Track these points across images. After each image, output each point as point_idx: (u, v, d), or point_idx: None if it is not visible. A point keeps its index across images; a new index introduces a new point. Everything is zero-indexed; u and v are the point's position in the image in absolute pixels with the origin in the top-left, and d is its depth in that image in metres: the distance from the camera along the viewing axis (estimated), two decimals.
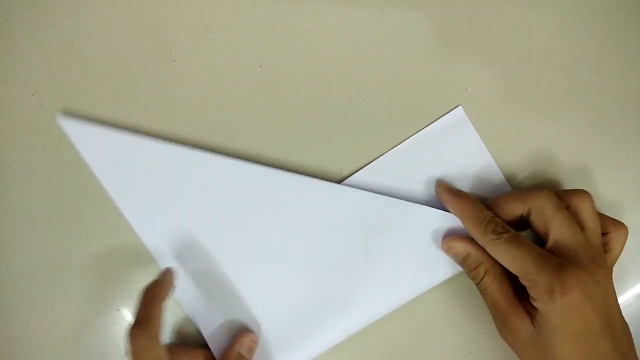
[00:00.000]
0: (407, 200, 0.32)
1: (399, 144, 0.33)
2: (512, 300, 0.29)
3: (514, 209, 0.30)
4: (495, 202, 0.31)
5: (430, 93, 0.33)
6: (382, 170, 0.33)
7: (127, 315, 0.33)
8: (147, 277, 0.33)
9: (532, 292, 0.27)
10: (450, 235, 0.31)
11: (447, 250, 0.31)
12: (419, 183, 0.33)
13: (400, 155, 0.33)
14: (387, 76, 0.33)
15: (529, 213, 0.29)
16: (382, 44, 0.33)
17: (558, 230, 0.28)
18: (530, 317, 0.28)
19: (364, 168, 0.33)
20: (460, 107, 0.33)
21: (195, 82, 0.33)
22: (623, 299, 0.34)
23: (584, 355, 0.26)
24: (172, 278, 0.30)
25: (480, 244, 0.29)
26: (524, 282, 0.28)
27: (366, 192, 0.32)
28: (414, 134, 0.33)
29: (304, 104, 0.33)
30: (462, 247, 0.30)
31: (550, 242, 0.28)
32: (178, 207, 0.32)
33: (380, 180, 0.33)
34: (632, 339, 0.28)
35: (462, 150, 0.33)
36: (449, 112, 0.33)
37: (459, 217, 0.31)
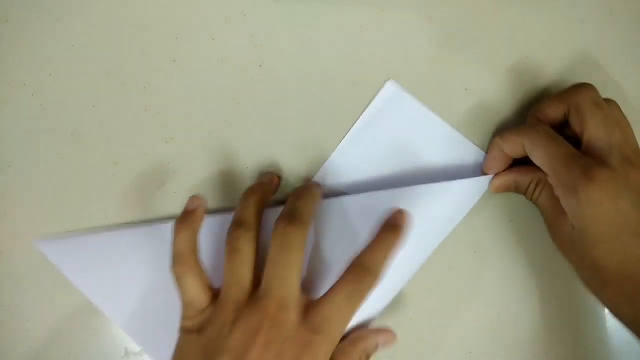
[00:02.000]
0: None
1: (344, 137, 0.33)
2: (558, 205, 0.29)
3: (556, 111, 0.30)
4: (538, 108, 0.31)
5: (430, 93, 0.33)
6: (338, 168, 0.33)
7: None
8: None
9: (557, 191, 0.28)
10: (495, 177, 0.32)
11: (497, 189, 0.32)
12: (385, 165, 0.33)
13: (351, 146, 0.33)
14: (387, 76, 0.33)
15: (568, 112, 0.29)
16: (382, 44, 0.33)
17: (593, 129, 0.28)
18: (569, 222, 0.28)
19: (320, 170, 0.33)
20: (390, 80, 0.33)
21: (195, 82, 0.33)
22: None
23: (623, 256, 0.26)
24: (276, 182, 0.32)
25: (525, 144, 0.29)
26: (551, 181, 0.28)
27: (369, 194, 0.32)
28: (355, 123, 0.33)
29: (304, 104, 0.33)
30: (507, 180, 0.32)
31: (584, 142, 0.28)
32: (143, 282, 0.32)
33: (341, 178, 0.33)
34: None
35: (412, 122, 0.33)
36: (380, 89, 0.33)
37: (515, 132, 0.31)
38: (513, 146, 0.30)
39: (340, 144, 0.33)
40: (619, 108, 0.30)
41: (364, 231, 0.30)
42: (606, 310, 0.34)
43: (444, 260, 0.33)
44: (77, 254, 0.32)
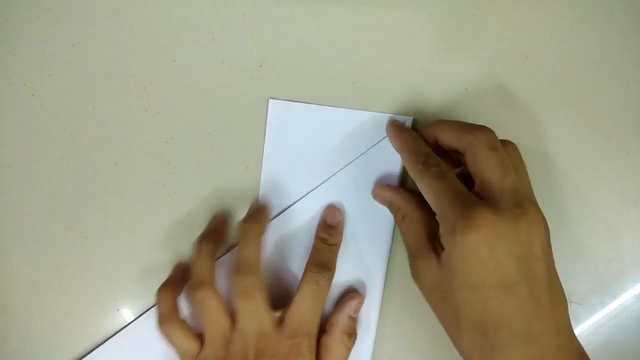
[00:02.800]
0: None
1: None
2: (423, 243, 0.28)
3: (451, 140, 0.28)
4: (437, 127, 0.29)
5: (430, 93, 0.33)
6: (275, 189, 0.34)
7: (127, 315, 0.33)
8: (146, 277, 0.33)
9: (440, 229, 0.26)
10: (379, 184, 0.32)
11: (375, 196, 0.32)
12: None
13: (270, 170, 0.33)
14: (387, 76, 0.33)
15: (464, 151, 0.27)
16: (382, 44, 0.33)
17: (486, 171, 0.26)
18: (437, 261, 0.27)
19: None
20: (270, 99, 0.33)
21: (195, 82, 0.33)
22: (623, 299, 0.34)
23: (484, 308, 0.24)
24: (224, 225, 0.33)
25: (411, 175, 0.28)
26: (437, 218, 0.26)
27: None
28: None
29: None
30: (385, 194, 0.31)
31: (477, 184, 0.27)
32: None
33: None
34: (566, 309, 0.25)
35: (312, 123, 0.33)
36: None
37: (398, 149, 0.31)
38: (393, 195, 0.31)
39: (262, 170, 0.33)
40: (517, 150, 0.29)
41: (313, 232, 0.33)
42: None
43: None
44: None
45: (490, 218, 0.24)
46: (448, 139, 0.28)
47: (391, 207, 0.31)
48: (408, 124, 0.33)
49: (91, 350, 0.33)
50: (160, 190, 0.33)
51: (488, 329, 0.24)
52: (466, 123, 0.29)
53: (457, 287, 0.25)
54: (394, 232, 0.33)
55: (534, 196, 0.27)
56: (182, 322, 0.31)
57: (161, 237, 0.33)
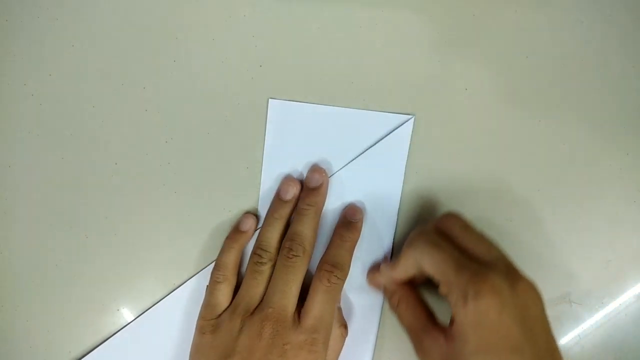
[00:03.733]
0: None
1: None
2: (425, 322, 0.29)
3: (410, 269, 0.29)
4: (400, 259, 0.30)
5: (430, 93, 0.33)
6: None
7: (127, 315, 0.33)
8: (147, 277, 0.33)
9: (449, 299, 0.27)
10: (373, 270, 0.33)
11: (369, 282, 0.33)
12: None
13: (271, 171, 0.34)
14: (387, 76, 0.33)
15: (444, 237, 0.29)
16: (382, 44, 0.33)
17: (473, 246, 0.28)
18: (444, 336, 0.27)
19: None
20: (270, 99, 0.33)
21: (195, 82, 0.33)
22: (623, 299, 0.34)
23: None
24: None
25: (405, 249, 0.29)
26: (442, 288, 0.27)
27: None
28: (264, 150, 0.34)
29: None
30: (378, 280, 0.32)
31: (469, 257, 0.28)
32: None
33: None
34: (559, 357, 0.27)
35: (312, 123, 0.33)
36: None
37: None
38: (406, 262, 0.30)
39: (262, 171, 0.33)
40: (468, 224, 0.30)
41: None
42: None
43: None
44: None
45: (498, 284, 0.25)
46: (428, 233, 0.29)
47: (385, 292, 0.32)
48: (409, 123, 0.33)
49: (91, 350, 0.33)
50: (160, 190, 0.33)
51: None
52: (429, 223, 0.30)
53: (469, 355, 0.25)
54: (394, 234, 0.33)
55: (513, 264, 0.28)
56: (234, 280, 0.32)
57: (161, 237, 0.33)
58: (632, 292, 0.34)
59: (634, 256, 0.34)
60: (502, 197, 0.34)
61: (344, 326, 0.32)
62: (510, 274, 0.26)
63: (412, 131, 0.33)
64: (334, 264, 0.31)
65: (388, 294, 0.32)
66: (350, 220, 0.33)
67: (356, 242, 0.33)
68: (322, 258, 0.32)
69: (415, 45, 0.34)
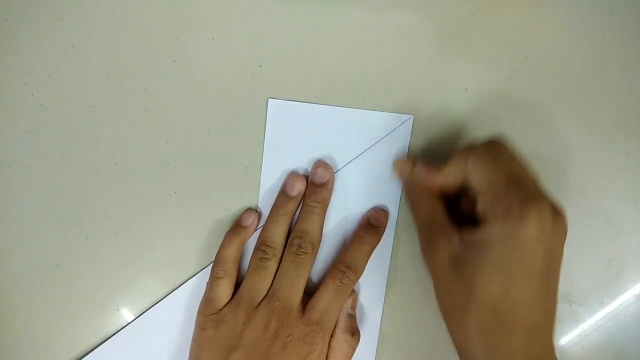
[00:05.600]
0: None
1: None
2: (442, 219, 0.28)
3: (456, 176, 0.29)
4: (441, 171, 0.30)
5: (430, 93, 0.33)
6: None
7: (127, 315, 0.33)
8: (146, 277, 0.33)
9: (486, 208, 0.26)
10: (403, 162, 0.32)
11: (394, 169, 0.32)
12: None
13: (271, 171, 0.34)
14: (387, 76, 0.33)
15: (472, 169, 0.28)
16: (382, 44, 0.33)
17: (522, 174, 0.27)
18: (459, 238, 0.27)
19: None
20: (270, 99, 0.33)
21: (195, 82, 0.33)
22: (623, 299, 0.34)
23: (504, 290, 0.25)
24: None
25: (456, 157, 0.28)
26: (484, 200, 0.26)
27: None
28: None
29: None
30: (407, 174, 0.31)
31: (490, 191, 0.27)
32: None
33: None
34: (556, 310, 0.26)
35: (312, 123, 0.33)
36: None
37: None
38: (455, 168, 0.29)
39: (262, 170, 0.33)
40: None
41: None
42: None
43: None
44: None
45: (544, 213, 0.25)
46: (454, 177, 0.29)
47: (405, 185, 0.32)
48: (408, 122, 0.33)
49: (91, 350, 0.33)
50: (160, 190, 0.33)
51: (500, 311, 0.25)
52: (460, 153, 0.29)
53: (481, 264, 0.25)
54: (395, 231, 0.33)
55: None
56: (234, 275, 0.32)
57: (161, 237, 0.34)
58: (632, 292, 0.34)
59: (634, 256, 0.34)
60: None
61: (353, 334, 0.31)
62: (554, 208, 0.26)
63: (412, 131, 0.33)
64: (349, 265, 0.31)
65: (408, 187, 0.31)
66: (373, 224, 0.33)
67: (375, 247, 0.32)
68: (338, 257, 0.32)
69: (415, 46, 0.34)
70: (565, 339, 0.34)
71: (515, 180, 0.26)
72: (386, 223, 0.33)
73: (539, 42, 0.34)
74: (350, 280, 0.31)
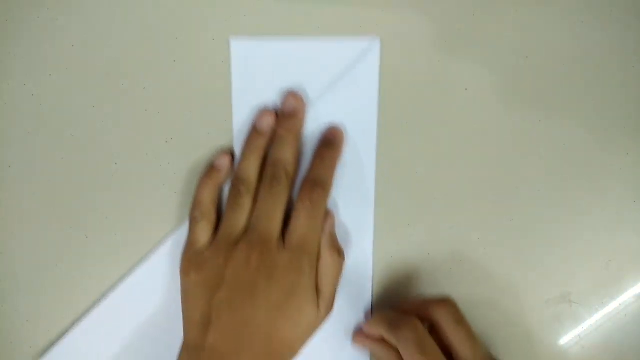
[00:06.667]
0: None
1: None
2: None
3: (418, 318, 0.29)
4: (404, 306, 0.31)
5: (430, 93, 0.33)
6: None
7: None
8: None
9: None
10: (359, 332, 0.33)
11: (355, 342, 0.33)
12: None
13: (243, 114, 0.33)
14: (386, 76, 0.33)
15: (430, 327, 0.30)
16: (383, 44, 0.33)
17: (459, 346, 0.28)
18: None
19: None
20: (232, 39, 0.33)
21: (195, 82, 0.33)
22: (623, 299, 0.34)
23: None
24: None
25: (391, 332, 0.29)
26: None
27: None
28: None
29: None
30: (365, 343, 0.32)
31: (455, 356, 0.29)
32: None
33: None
34: None
35: (280, 58, 0.33)
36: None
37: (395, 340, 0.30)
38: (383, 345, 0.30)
39: (233, 116, 0.33)
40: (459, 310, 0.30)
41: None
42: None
43: (445, 261, 0.34)
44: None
45: None
46: (417, 315, 0.30)
47: (374, 355, 0.33)
48: (375, 45, 0.33)
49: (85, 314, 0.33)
50: (160, 190, 0.33)
51: None
52: (424, 301, 0.31)
53: None
54: (375, 164, 0.33)
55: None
56: (213, 216, 0.31)
57: (161, 237, 0.34)
58: (632, 292, 0.34)
59: (634, 256, 0.34)
60: (503, 197, 0.34)
61: (338, 252, 0.31)
62: None
63: (412, 131, 0.33)
64: (314, 182, 0.31)
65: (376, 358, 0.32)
66: (330, 140, 0.32)
67: (337, 159, 0.32)
68: (306, 176, 0.31)
69: (415, 45, 0.34)
70: (565, 339, 0.34)
71: None
72: (342, 138, 0.32)
73: (539, 42, 0.34)
74: (319, 195, 0.30)
